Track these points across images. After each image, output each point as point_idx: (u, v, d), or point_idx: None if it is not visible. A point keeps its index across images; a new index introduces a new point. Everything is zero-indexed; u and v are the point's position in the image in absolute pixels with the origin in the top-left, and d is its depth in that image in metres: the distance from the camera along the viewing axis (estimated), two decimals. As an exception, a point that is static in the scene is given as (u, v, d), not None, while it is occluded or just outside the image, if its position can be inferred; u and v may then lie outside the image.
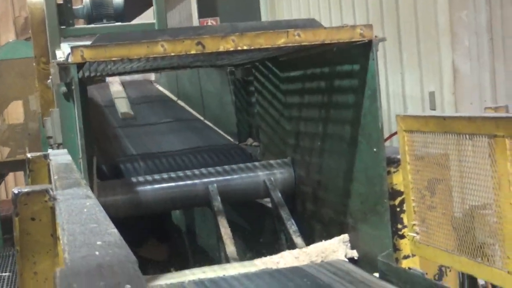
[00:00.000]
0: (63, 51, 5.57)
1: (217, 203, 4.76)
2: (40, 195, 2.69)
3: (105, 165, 5.70)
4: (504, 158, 3.03)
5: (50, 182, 3.14)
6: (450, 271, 4.23)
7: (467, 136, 3.34)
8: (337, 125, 4.45)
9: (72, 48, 3.75)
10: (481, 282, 4.33)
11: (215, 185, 4.92)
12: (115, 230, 1.48)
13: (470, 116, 3.40)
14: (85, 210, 1.77)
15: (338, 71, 4.39)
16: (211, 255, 5.63)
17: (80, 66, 4.00)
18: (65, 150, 3.90)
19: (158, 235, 7.26)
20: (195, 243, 6.78)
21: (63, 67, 3.93)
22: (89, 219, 1.64)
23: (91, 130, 5.16)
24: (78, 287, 1.04)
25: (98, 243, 1.35)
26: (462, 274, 4.25)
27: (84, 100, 4.48)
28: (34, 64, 6.95)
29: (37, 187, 2.80)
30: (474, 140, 3.29)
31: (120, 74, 6.18)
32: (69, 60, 3.79)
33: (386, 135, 5.98)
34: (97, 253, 1.27)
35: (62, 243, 1.42)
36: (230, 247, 4.38)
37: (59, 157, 3.44)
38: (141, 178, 4.99)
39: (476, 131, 3.25)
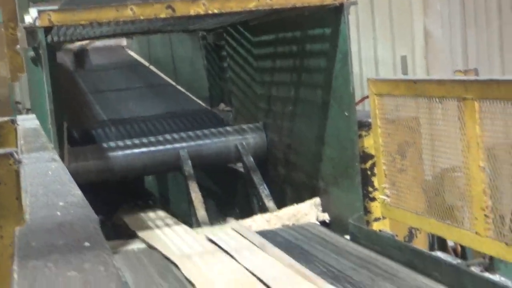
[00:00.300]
0: (31, 16, 5.48)
1: (188, 168, 4.75)
2: (5, 159, 2.66)
3: (76, 131, 5.65)
4: (473, 121, 3.04)
5: (17, 147, 3.10)
6: (420, 233, 4.27)
7: (437, 99, 3.35)
8: (308, 89, 4.44)
9: (40, 11, 3.69)
10: (450, 243, 4.39)
11: (186, 150, 4.90)
12: (79, 192, 1.47)
13: (440, 79, 3.41)
14: (50, 172, 1.75)
15: (310, 35, 4.37)
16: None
17: (47, 30, 3.94)
18: (34, 116, 3.86)
19: (131, 201, 7.23)
20: (168, 208, 6.77)
21: (31, 31, 3.88)
22: (53, 181, 1.62)
23: (61, 95, 5.10)
24: (37, 245, 1.03)
25: (61, 203, 1.34)
26: (432, 235, 4.30)
27: (52, 64, 4.41)
28: (2, 29, 6.84)
29: (1, 151, 2.77)
30: (444, 103, 3.31)
31: (90, 38, 6.10)
32: (36, 24, 3.73)
33: (358, 99, 5.99)
34: (58, 213, 1.25)
35: (24, 205, 1.40)
36: (201, 212, 4.38)
37: (27, 122, 3.40)
38: (112, 144, 4.95)
39: (446, 94, 3.26)
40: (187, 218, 4.66)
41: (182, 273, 3.33)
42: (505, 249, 2.93)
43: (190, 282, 3.19)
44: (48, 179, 1.65)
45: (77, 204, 1.31)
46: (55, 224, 1.16)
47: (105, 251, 1.01)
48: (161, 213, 4.76)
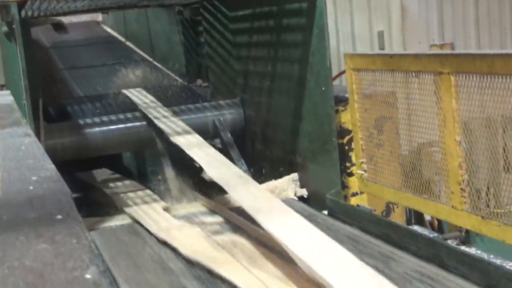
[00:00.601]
0: (5, -10, 5.41)
1: (162, 144, 4.72)
2: (-21, 135, 2.63)
3: (52, 107, 5.60)
4: (449, 95, 3.05)
5: (-9, 123, 3.07)
6: (397, 207, 4.30)
7: (414, 74, 3.36)
8: (286, 64, 4.43)
9: (13, -15, 3.64)
10: (427, 217, 4.43)
11: None
12: (52, 166, 1.45)
13: (416, 54, 3.41)
14: (23, 147, 1.73)
15: (287, 9, 4.35)
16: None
17: (21, 4, 3.89)
18: (8, 91, 3.82)
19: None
20: (147, 185, 6.76)
21: (4, 6, 3.82)
22: (26, 156, 1.60)
23: (36, 71, 5.05)
24: (8, 219, 1.02)
25: (33, 178, 1.32)
26: (409, 210, 4.34)
27: (27, 40, 4.36)
28: (-25, 4, 6.73)
29: (-26, 126, 2.73)
30: (421, 78, 3.31)
31: (65, 14, 6.03)
32: (10, -2, 3.68)
33: (335, 74, 5.98)
34: (31, 187, 1.24)
35: (-4, 179, 1.39)
36: (174, 189, 4.39)
37: (0, 98, 3.37)
38: (88, 120, 4.91)
39: (422, 69, 3.27)
40: (164, 195, 4.65)
41: (159, 250, 3.33)
42: (481, 223, 2.96)
43: (171, 249, 3.19)
44: (21, 154, 1.64)
45: (50, 178, 1.29)
46: (28, 198, 1.15)
47: (77, 223, 1.00)
48: (140, 191, 4.74)
